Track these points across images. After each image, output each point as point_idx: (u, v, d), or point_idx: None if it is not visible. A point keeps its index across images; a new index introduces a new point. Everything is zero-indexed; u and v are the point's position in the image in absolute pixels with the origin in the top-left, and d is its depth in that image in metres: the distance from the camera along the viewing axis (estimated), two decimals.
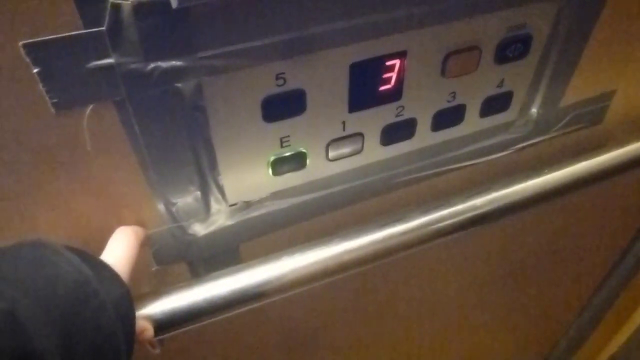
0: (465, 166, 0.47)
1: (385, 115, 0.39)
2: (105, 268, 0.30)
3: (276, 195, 0.41)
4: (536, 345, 1.05)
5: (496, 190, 0.44)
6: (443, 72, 0.38)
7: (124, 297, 0.29)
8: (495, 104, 0.44)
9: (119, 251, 0.34)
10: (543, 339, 1.04)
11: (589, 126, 0.52)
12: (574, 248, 0.76)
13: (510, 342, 0.98)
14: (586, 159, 0.48)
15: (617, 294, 0.88)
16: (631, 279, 0.84)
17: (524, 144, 0.48)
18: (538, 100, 0.46)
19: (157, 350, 0.36)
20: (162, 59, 0.28)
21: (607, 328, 1.01)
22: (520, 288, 0.81)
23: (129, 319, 0.30)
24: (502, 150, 0.48)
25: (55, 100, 0.27)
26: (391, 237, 0.41)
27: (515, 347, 1.01)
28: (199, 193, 0.37)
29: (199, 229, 0.39)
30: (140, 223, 0.37)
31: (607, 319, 0.97)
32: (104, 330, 0.27)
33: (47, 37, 0.25)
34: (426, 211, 0.42)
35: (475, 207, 0.43)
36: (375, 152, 0.42)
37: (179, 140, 0.33)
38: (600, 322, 0.97)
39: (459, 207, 0.43)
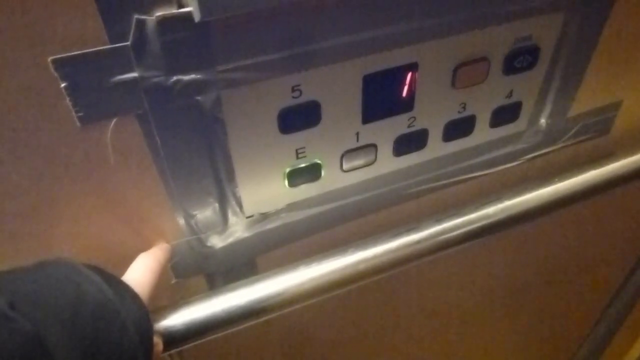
0: (477, 176, 0.48)
1: (398, 126, 0.40)
2: (125, 288, 0.31)
3: (292, 206, 0.41)
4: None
5: (508, 199, 0.45)
6: (453, 83, 0.39)
7: (143, 317, 0.30)
8: (504, 115, 0.44)
9: (139, 273, 0.35)
10: (556, 355, 1.03)
11: (597, 136, 0.52)
12: (585, 260, 0.76)
13: (523, 355, 0.97)
14: (595, 167, 0.49)
15: (631, 306, 0.87)
16: None
17: (534, 154, 0.49)
18: (547, 110, 0.46)
19: None
20: (184, 72, 0.29)
21: (622, 343, 0.99)
22: (532, 302, 0.80)
23: (148, 339, 0.30)
24: (513, 161, 0.49)
25: (80, 114, 0.28)
26: (405, 245, 0.41)
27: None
28: (217, 205, 0.37)
29: (217, 241, 0.40)
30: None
31: (621, 333, 0.96)
32: (126, 351, 0.27)
33: (75, 53, 0.26)
34: (439, 220, 0.43)
35: (487, 216, 0.44)
36: (388, 163, 0.43)
37: (198, 152, 0.34)
38: (614, 336, 0.96)
39: (471, 215, 0.43)
